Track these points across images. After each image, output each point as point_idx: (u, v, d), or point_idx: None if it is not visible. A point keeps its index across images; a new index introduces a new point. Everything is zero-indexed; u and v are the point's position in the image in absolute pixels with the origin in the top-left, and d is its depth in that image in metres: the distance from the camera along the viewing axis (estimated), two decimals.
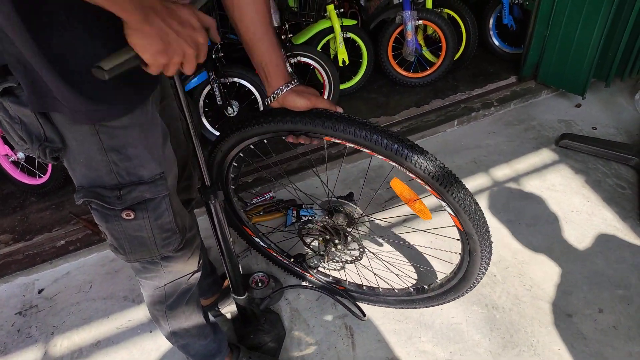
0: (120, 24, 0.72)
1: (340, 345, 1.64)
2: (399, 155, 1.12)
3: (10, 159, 2.35)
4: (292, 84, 1.11)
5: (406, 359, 1.58)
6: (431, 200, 1.39)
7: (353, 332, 1.68)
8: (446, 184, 1.14)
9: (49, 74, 0.76)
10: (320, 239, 1.59)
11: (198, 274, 1.24)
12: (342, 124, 1.12)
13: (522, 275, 1.79)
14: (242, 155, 1.40)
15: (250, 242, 1.82)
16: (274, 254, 1.81)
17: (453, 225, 1.27)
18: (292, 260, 1.78)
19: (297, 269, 1.81)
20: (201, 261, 1.23)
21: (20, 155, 2.33)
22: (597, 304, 1.66)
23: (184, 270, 1.17)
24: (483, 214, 1.22)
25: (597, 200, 2.07)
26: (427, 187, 1.18)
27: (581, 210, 2.03)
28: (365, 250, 1.58)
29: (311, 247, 1.67)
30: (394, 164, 1.17)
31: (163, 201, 0.99)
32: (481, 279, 1.38)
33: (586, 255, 1.83)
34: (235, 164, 1.46)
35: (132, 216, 0.96)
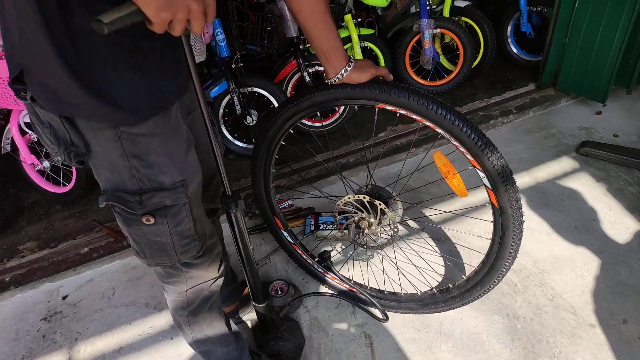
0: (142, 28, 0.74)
1: (359, 354, 1.64)
2: (446, 120, 1.21)
3: (36, 168, 2.42)
4: (353, 62, 1.18)
5: None
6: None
7: (372, 340, 1.68)
8: (487, 150, 1.22)
9: (69, 79, 0.79)
10: (357, 217, 1.61)
11: (220, 281, 1.26)
12: (395, 90, 1.21)
13: (544, 284, 1.77)
14: (292, 131, 1.47)
15: (276, 235, 1.82)
16: (298, 252, 1.82)
17: (488, 203, 1.32)
18: (316, 259, 1.79)
19: (319, 270, 1.81)
20: (222, 268, 1.25)
21: (46, 164, 2.39)
22: (621, 314, 1.64)
23: (205, 276, 1.19)
24: (517, 188, 1.27)
25: (619, 208, 2.04)
26: (468, 156, 1.26)
27: (603, 219, 2.00)
28: (396, 235, 1.60)
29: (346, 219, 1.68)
30: (440, 131, 1.25)
31: (183, 208, 1.01)
32: (508, 268, 1.41)
33: (609, 265, 1.81)
34: (283, 143, 1.52)
35: (152, 221, 0.98)
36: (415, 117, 1.26)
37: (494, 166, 1.23)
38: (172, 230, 1.01)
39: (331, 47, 1.14)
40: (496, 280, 1.45)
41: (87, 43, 0.78)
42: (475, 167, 1.27)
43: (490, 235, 1.41)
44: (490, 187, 1.28)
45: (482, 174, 1.27)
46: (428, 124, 1.26)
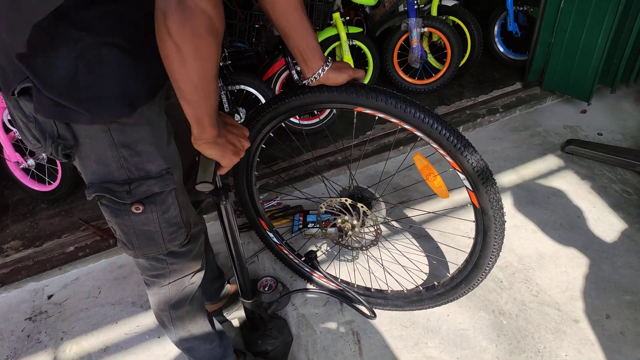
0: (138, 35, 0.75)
1: (347, 351, 1.64)
2: (424, 123, 1.21)
3: (21, 166, 2.39)
4: (330, 63, 1.18)
5: None
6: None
7: (360, 338, 1.68)
8: (466, 152, 1.22)
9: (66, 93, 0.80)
10: (339, 220, 1.62)
11: (201, 274, 1.26)
12: (373, 93, 1.21)
13: (529, 281, 1.79)
14: (272, 135, 1.47)
15: (262, 237, 1.82)
16: (285, 252, 1.82)
17: (469, 204, 1.35)
18: (302, 259, 1.79)
19: (306, 269, 1.81)
20: (204, 260, 1.26)
21: (31, 162, 2.36)
22: (605, 309, 1.66)
23: (189, 268, 1.20)
24: (498, 188, 1.28)
25: (603, 206, 2.07)
26: (448, 158, 1.26)
27: (587, 216, 2.03)
28: (379, 235, 1.60)
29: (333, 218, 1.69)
30: (419, 133, 1.25)
31: (170, 195, 1.02)
32: (492, 267, 1.42)
33: (593, 261, 1.83)
34: (264, 146, 1.52)
35: (141, 209, 0.99)
36: (393, 120, 1.25)
37: (473, 168, 1.23)
38: (160, 217, 1.02)
39: (307, 47, 1.13)
40: (480, 278, 1.46)
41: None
42: (455, 169, 1.28)
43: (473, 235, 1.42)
44: (470, 189, 1.29)
45: (462, 176, 1.28)
46: (406, 127, 1.25)
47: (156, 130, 0.96)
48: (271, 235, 1.79)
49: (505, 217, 1.32)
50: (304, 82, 1.22)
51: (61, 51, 0.77)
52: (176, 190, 1.03)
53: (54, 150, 0.90)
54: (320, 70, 1.17)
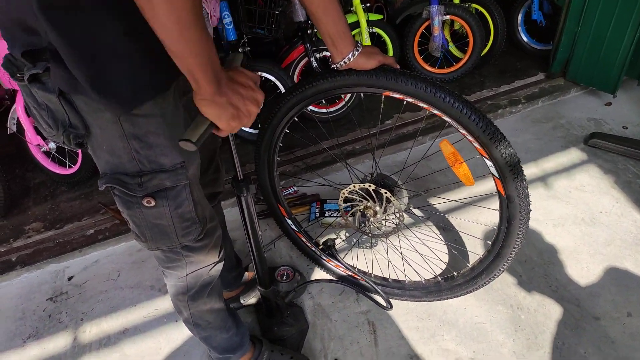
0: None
1: (362, 341, 1.65)
2: (454, 108, 1.20)
3: (42, 149, 2.42)
4: (360, 47, 1.17)
5: (429, 356, 1.58)
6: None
7: (375, 328, 1.68)
8: (495, 138, 1.21)
9: (81, 75, 0.79)
10: (362, 206, 1.62)
11: (219, 266, 1.25)
12: (403, 77, 1.20)
13: (548, 276, 1.77)
14: (296, 119, 1.47)
15: (280, 223, 1.82)
16: (302, 239, 1.82)
17: (495, 192, 1.33)
18: (320, 247, 1.80)
19: (323, 258, 1.82)
20: (222, 253, 1.24)
21: (52, 145, 2.39)
22: (626, 307, 1.64)
23: (205, 260, 1.19)
24: (525, 176, 1.27)
25: (626, 201, 2.03)
26: (475, 144, 1.25)
27: (610, 212, 1.99)
28: (401, 223, 1.60)
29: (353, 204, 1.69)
30: (448, 119, 1.24)
31: (183, 190, 1.00)
32: (514, 257, 1.41)
33: (614, 258, 1.80)
34: (287, 131, 1.51)
35: (153, 203, 0.97)
36: (422, 105, 1.25)
37: (502, 155, 1.22)
38: (172, 212, 1.01)
39: (338, 32, 1.13)
40: (501, 269, 1.46)
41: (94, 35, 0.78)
42: (482, 155, 1.27)
43: (496, 224, 1.41)
44: (497, 176, 1.28)
45: (489, 163, 1.27)
46: (435, 112, 1.25)
47: (171, 123, 0.94)
48: (290, 222, 1.79)
49: (530, 206, 1.31)
50: (333, 66, 1.22)
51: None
52: (191, 185, 1.01)
53: (65, 138, 0.89)
54: (350, 55, 1.17)
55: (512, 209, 1.30)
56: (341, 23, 1.12)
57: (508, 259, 1.42)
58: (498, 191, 1.32)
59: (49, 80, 0.83)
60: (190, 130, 0.85)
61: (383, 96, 1.28)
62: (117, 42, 0.80)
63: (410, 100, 1.25)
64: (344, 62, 1.18)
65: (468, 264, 1.57)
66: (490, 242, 1.46)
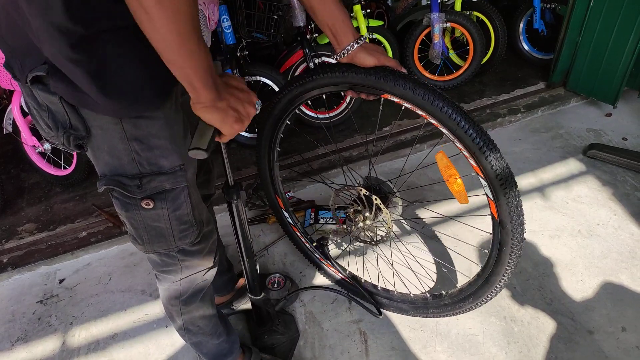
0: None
1: (353, 351, 1.63)
2: (451, 119, 1.14)
3: (37, 150, 2.41)
4: (361, 40, 1.15)
5: None
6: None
7: (367, 337, 1.66)
8: (491, 156, 1.14)
9: (85, 81, 0.78)
10: (352, 210, 1.60)
11: (213, 271, 1.25)
12: (402, 81, 1.15)
13: (543, 288, 1.75)
14: (297, 112, 1.45)
15: (278, 215, 1.81)
16: (297, 234, 1.81)
17: (488, 214, 1.26)
18: (314, 244, 1.78)
19: (317, 256, 1.80)
20: (217, 257, 1.24)
21: (47, 146, 2.38)
22: (621, 322, 1.61)
23: (200, 265, 1.18)
24: (521, 202, 1.21)
25: (624, 214, 2.01)
26: (471, 161, 1.18)
27: (607, 224, 1.97)
28: (390, 233, 1.57)
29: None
30: (444, 130, 1.18)
31: (182, 192, 1.00)
32: (503, 285, 1.36)
33: (610, 271, 1.78)
34: (288, 122, 1.50)
35: (152, 205, 0.97)
36: (419, 112, 1.19)
37: (497, 175, 1.15)
38: (170, 214, 1.00)
39: (337, 22, 1.11)
40: (489, 296, 1.40)
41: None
42: (477, 173, 1.20)
43: (488, 248, 1.35)
44: (491, 198, 1.21)
45: (484, 182, 1.20)
46: (432, 121, 1.19)
47: (172, 125, 0.94)
48: (286, 214, 1.78)
49: (524, 234, 1.25)
50: (334, 57, 1.19)
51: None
52: (189, 188, 1.01)
53: (65, 140, 0.89)
54: (349, 47, 1.14)
55: (504, 235, 1.24)
56: (339, 12, 1.10)
57: (497, 287, 1.36)
58: (491, 214, 1.25)
59: (51, 82, 0.82)
60: (197, 139, 0.87)
61: (382, 98, 1.24)
62: (120, 50, 0.79)
63: (408, 105, 1.20)
64: (343, 53, 1.15)
65: (457, 285, 1.52)
66: (480, 266, 1.42)
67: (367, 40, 2.60)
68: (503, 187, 1.17)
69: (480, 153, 1.15)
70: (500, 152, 1.17)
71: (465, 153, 1.19)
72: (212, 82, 0.82)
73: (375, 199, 1.50)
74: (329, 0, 1.08)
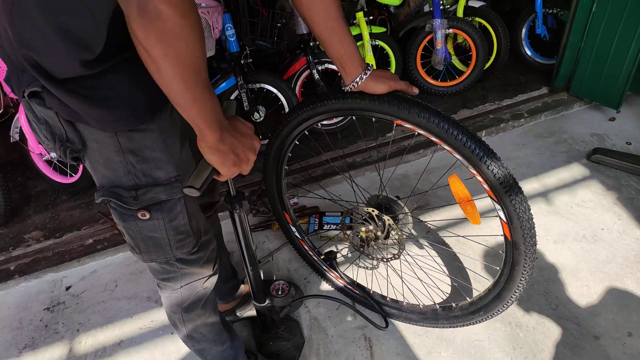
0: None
1: (358, 357, 1.63)
2: (466, 148, 1.15)
3: (44, 158, 2.43)
4: (369, 70, 1.16)
5: None
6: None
7: (372, 343, 1.66)
8: (508, 186, 1.16)
9: (76, 101, 0.80)
10: (363, 229, 1.61)
11: (214, 278, 1.25)
12: (416, 109, 1.16)
13: (548, 293, 1.75)
14: (306, 133, 1.46)
15: (285, 230, 1.82)
16: (305, 248, 1.82)
17: (500, 235, 1.28)
18: (322, 257, 1.79)
19: (324, 267, 1.81)
20: (217, 265, 1.25)
21: (53, 154, 2.40)
22: (626, 327, 1.61)
23: (200, 273, 1.19)
24: (534, 224, 1.22)
25: (629, 218, 2.01)
26: (485, 186, 1.20)
27: (612, 229, 1.97)
28: (404, 251, 1.57)
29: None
30: (459, 157, 1.19)
31: (178, 203, 1.01)
32: (515, 299, 1.37)
33: (615, 276, 1.78)
34: (297, 142, 1.51)
35: (148, 216, 0.98)
36: (433, 138, 1.20)
37: (511, 201, 1.17)
38: (167, 225, 1.01)
39: (345, 53, 1.13)
40: (500, 309, 1.42)
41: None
42: (492, 198, 1.22)
43: (500, 266, 1.37)
44: (505, 221, 1.23)
45: (497, 206, 1.22)
46: (446, 147, 1.20)
47: (167, 137, 0.95)
48: (294, 229, 1.79)
49: (536, 254, 1.27)
50: (343, 88, 1.21)
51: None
52: (185, 199, 1.01)
53: (62, 152, 0.90)
54: (357, 79, 1.16)
55: (517, 255, 1.26)
56: (348, 44, 1.12)
57: (508, 302, 1.38)
58: (504, 235, 1.27)
59: (46, 97, 0.84)
60: (193, 177, 0.90)
61: (395, 124, 1.25)
62: (112, 68, 0.80)
63: (421, 132, 1.21)
64: (353, 85, 1.17)
65: (468, 298, 1.53)
66: (492, 281, 1.43)
67: (366, 53, 2.63)
68: (517, 213, 1.18)
69: (495, 180, 1.16)
70: (516, 180, 1.18)
71: (480, 178, 1.20)
72: (217, 125, 0.85)
73: (388, 220, 1.50)
74: (340, 33, 1.10)
